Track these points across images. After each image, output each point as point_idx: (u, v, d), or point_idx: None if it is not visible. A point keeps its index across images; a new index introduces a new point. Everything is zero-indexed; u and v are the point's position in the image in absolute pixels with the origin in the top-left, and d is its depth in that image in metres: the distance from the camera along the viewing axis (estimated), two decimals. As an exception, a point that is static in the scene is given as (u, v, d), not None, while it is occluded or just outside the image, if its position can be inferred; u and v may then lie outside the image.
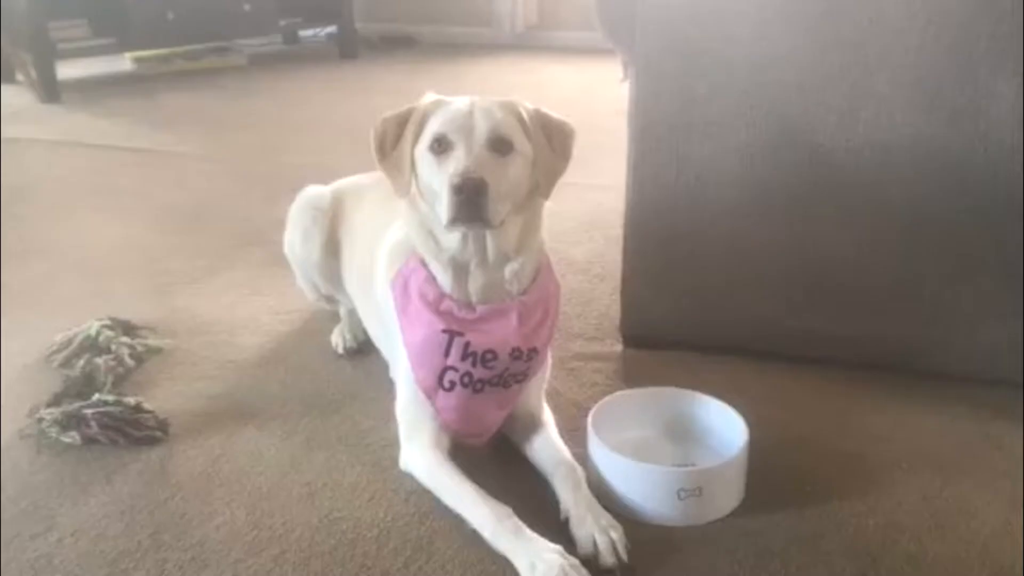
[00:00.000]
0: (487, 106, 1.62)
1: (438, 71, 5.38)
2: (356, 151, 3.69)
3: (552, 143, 1.66)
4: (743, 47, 1.92)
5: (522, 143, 1.63)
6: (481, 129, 1.59)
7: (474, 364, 1.64)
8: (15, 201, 3.25)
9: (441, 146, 1.60)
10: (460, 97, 1.66)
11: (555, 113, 1.71)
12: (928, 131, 1.84)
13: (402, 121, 1.67)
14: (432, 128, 1.62)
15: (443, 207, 1.56)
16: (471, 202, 1.52)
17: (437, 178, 1.59)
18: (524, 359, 1.67)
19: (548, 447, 1.73)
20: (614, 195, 2.60)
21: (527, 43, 5.90)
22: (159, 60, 5.40)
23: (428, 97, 1.68)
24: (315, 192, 2.26)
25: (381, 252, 1.89)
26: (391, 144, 1.67)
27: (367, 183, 2.23)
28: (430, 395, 1.69)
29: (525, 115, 1.65)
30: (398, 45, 6.00)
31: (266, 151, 3.93)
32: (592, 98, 4.62)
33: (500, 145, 1.59)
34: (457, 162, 1.56)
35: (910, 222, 1.91)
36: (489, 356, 1.64)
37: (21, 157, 3.85)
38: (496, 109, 1.62)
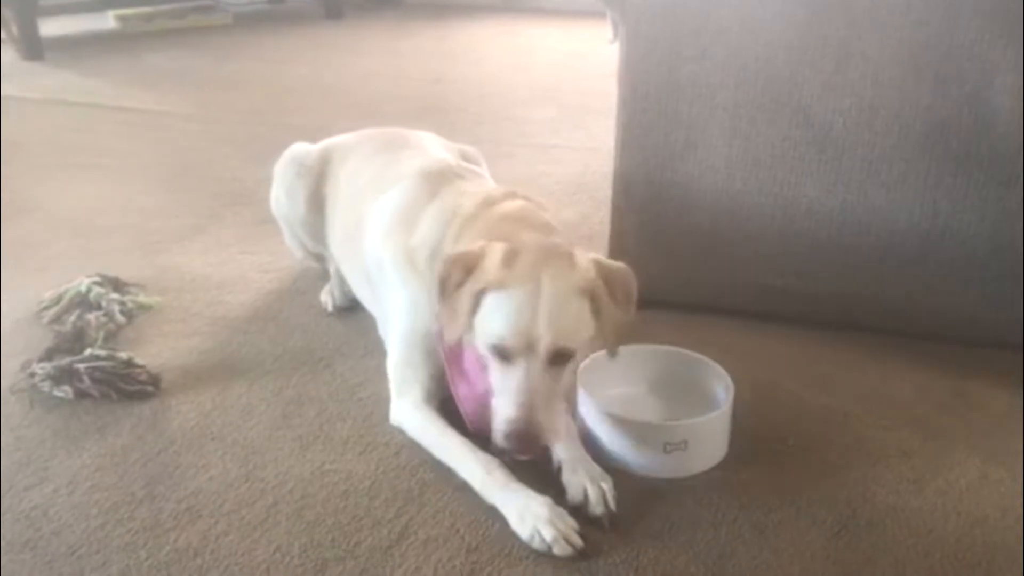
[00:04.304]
0: (554, 308, 1.51)
1: (424, 32, 5.35)
2: (342, 112, 3.69)
3: (615, 296, 1.58)
4: (732, 8, 1.93)
5: (586, 331, 1.56)
6: (545, 342, 1.50)
7: None
8: (1, 159, 3.23)
9: (500, 352, 1.53)
10: (526, 264, 1.53)
11: (611, 262, 1.62)
12: (914, 92, 1.85)
13: (467, 268, 1.56)
14: (493, 328, 1.52)
15: (496, 422, 1.53)
16: (522, 443, 1.51)
17: (495, 380, 1.55)
18: None
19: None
20: (602, 157, 2.63)
21: (515, 4, 5.86)
22: (143, 18, 5.34)
23: (493, 252, 1.55)
24: (301, 149, 2.27)
25: (374, 211, 1.91)
26: (453, 287, 1.57)
27: (354, 142, 2.24)
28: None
29: (593, 290, 1.55)
30: (384, 5, 5.96)
31: (252, 111, 3.91)
32: (581, 60, 4.62)
33: (562, 357, 1.53)
34: (512, 395, 1.50)
35: (894, 183, 1.93)
36: None
37: (6, 115, 3.82)
38: (563, 310, 1.52)
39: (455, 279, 1.56)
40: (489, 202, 1.74)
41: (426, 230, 1.77)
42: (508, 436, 1.49)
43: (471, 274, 1.55)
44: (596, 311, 1.55)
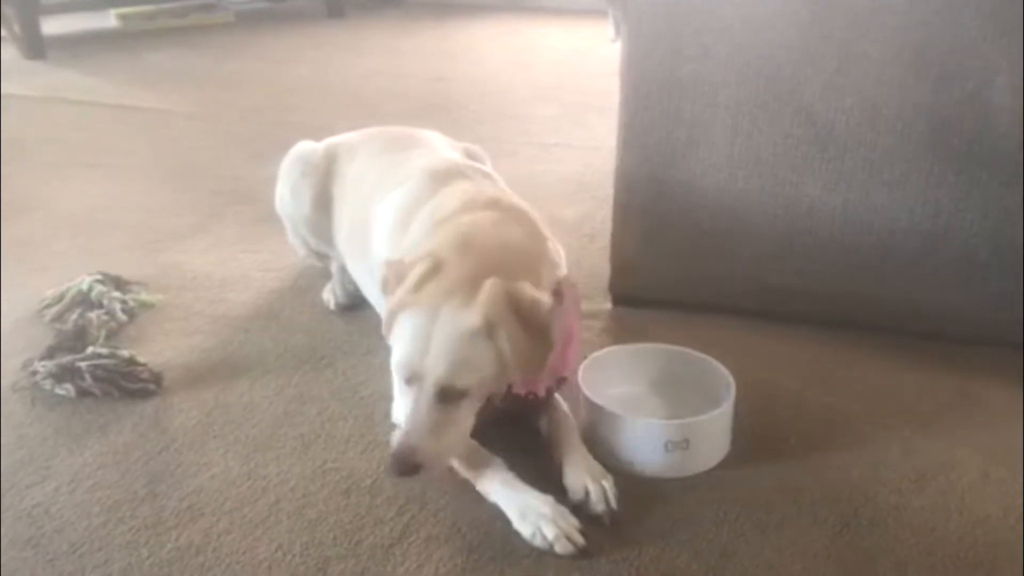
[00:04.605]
0: (445, 345, 1.47)
1: (426, 31, 5.34)
2: (344, 110, 3.69)
3: (529, 329, 1.50)
4: (734, 6, 1.92)
5: (482, 372, 1.50)
6: (431, 379, 1.48)
7: None
8: (3, 158, 3.23)
9: (401, 375, 1.54)
10: (430, 293, 1.50)
11: (524, 293, 1.51)
12: (916, 91, 1.85)
13: (398, 278, 1.57)
14: (395, 350, 1.54)
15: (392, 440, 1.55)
16: (401, 467, 1.50)
17: (399, 404, 1.58)
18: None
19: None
20: (603, 156, 2.62)
21: (516, 3, 5.86)
22: (144, 17, 5.34)
23: (416, 269, 1.53)
24: (306, 147, 2.27)
25: (381, 210, 1.91)
26: (389, 293, 1.60)
27: (359, 140, 2.24)
28: None
29: (496, 327, 1.47)
30: (386, 4, 5.94)
31: (254, 110, 3.91)
32: (583, 59, 4.61)
33: (450, 395, 1.49)
34: (402, 421, 1.53)
35: (896, 182, 1.93)
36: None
37: (6, 114, 3.82)
38: (456, 348, 1.47)
39: (390, 286, 1.58)
40: (464, 208, 1.71)
41: (415, 231, 1.77)
42: (392, 456, 1.50)
43: (399, 285, 1.56)
44: (503, 348, 1.48)
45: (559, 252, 1.82)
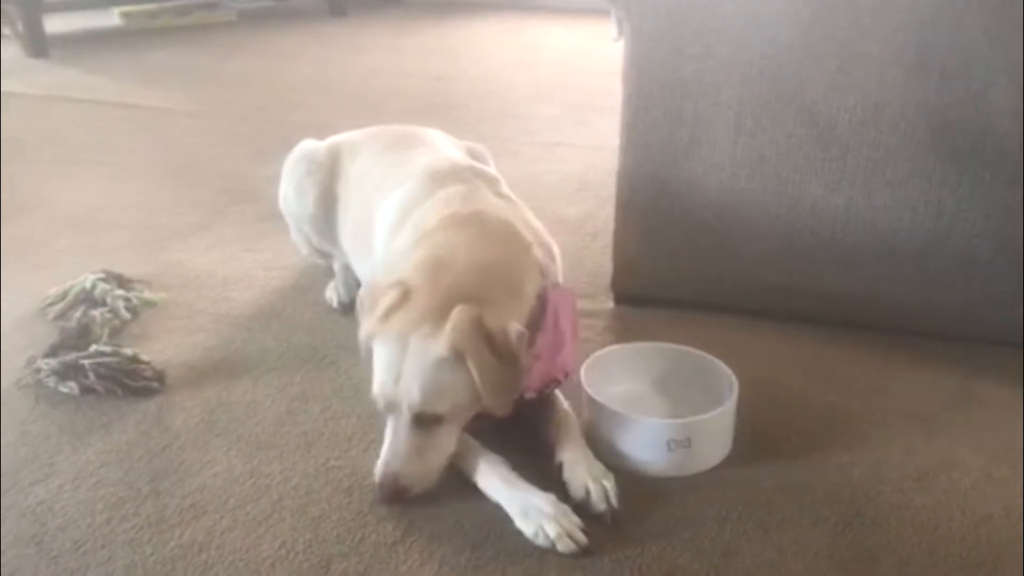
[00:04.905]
0: (417, 373, 1.49)
1: (428, 30, 5.35)
2: (346, 109, 3.69)
3: (499, 355, 1.50)
4: (737, 6, 1.93)
5: (456, 396, 1.51)
6: (407, 405, 1.50)
7: None
8: (5, 156, 3.23)
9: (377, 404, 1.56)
10: (399, 321, 1.52)
11: (493, 320, 1.51)
12: (919, 91, 1.85)
13: (372, 304, 1.59)
14: (373, 378, 1.55)
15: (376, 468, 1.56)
16: (387, 495, 1.54)
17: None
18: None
19: (543, 397, 1.75)
20: (606, 155, 2.63)
21: (518, 2, 5.86)
22: (147, 15, 5.35)
23: (386, 297, 1.55)
24: (310, 146, 2.27)
25: (383, 210, 1.91)
26: (365, 314, 1.61)
27: (362, 139, 2.24)
28: None
29: (466, 353, 1.48)
30: (387, 2, 5.96)
31: (257, 108, 3.92)
32: (585, 58, 4.62)
33: (426, 420, 1.51)
34: (383, 448, 1.55)
35: (899, 181, 1.93)
36: None
37: (9, 112, 3.83)
38: (428, 375, 1.49)
39: (365, 312, 1.60)
40: (442, 225, 1.71)
41: (400, 240, 1.78)
42: (377, 486, 1.54)
43: (372, 311, 1.57)
44: (472, 375, 1.48)
45: (553, 253, 1.82)
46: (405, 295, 1.55)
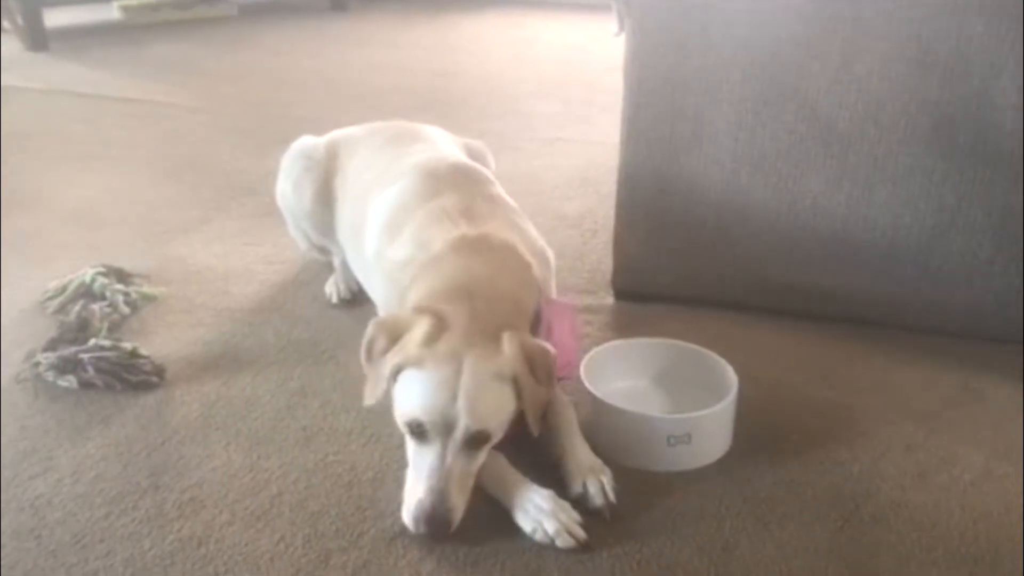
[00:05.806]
0: (474, 392, 1.47)
1: (429, 25, 5.34)
2: (346, 104, 3.69)
3: (537, 375, 1.54)
4: (738, 1, 1.92)
5: (505, 414, 1.52)
6: (462, 425, 1.46)
7: None
8: (5, 150, 3.23)
9: (416, 430, 1.49)
10: (449, 344, 1.50)
11: (533, 342, 1.57)
12: (921, 88, 1.85)
13: (393, 337, 1.55)
14: (410, 405, 1.49)
15: (407, 497, 1.49)
16: (433, 527, 1.46)
17: (412, 459, 1.51)
18: None
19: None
20: (607, 151, 2.62)
21: (520, -3, 5.86)
22: (147, 9, 5.35)
23: (419, 326, 1.52)
24: (308, 142, 2.27)
25: (374, 208, 1.91)
26: (378, 353, 1.56)
27: (361, 135, 2.24)
28: None
29: (515, 373, 1.50)
30: (389, -3, 5.95)
31: (257, 103, 3.91)
32: (586, 54, 4.61)
33: (479, 440, 1.49)
34: (425, 478, 1.46)
35: (900, 178, 1.93)
36: None
37: (9, 106, 3.82)
38: (484, 394, 1.48)
39: (380, 346, 1.56)
40: (452, 250, 1.69)
41: (400, 249, 1.77)
42: (417, 520, 1.46)
43: (395, 343, 1.54)
44: (518, 392, 1.51)
45: (548, 260, 1.84)
46: (443, 321, 1.53)
